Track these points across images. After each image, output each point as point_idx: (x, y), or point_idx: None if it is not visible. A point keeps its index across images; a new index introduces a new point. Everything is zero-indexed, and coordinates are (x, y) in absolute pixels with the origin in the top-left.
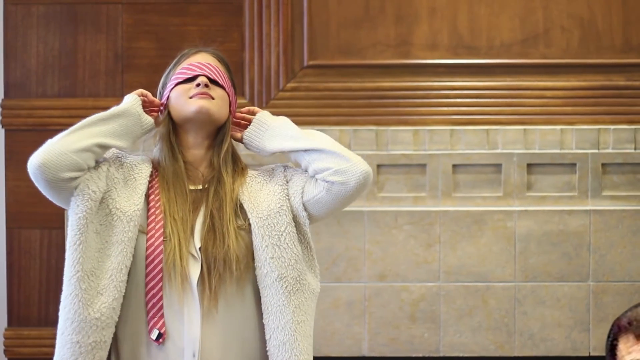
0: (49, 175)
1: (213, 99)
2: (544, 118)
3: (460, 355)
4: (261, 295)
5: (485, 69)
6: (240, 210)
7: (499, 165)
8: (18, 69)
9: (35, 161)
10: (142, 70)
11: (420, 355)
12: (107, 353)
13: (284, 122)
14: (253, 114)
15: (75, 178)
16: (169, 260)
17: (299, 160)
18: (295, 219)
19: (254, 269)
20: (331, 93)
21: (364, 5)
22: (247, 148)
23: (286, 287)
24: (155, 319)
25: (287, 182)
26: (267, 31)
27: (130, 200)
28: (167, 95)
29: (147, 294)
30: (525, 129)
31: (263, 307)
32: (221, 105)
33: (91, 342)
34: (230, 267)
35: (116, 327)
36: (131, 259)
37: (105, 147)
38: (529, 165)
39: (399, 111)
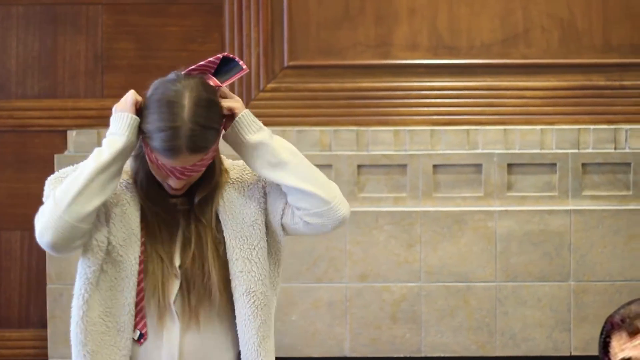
0: (62, 250)
1: (188, 183)
2: (524, 118)
3: (442, 355)
4: (234, 306)
5: (466, 69)
6: (216, 220)
7: (479, 166)
8: None
9: (45, 240)
10: (122, 70)
11: (402, 355)
12: None
13: (262, 140)
14: (231, 111)
15: (83, 243)
16: (150, 281)
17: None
18: (269, 234)
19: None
20: (311, 94)
21: (343, 5)
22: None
23: (254, 301)
24: (138, 319)
25: (265, 195)
26: (247, 32)
27: (128, 233)
28: (144, 148)
29: (138, 294)
30: (505, 129)
31: (236, 319)
32: (199, 176)
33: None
34: (209, 290)
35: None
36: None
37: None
38: (509, 165)
39: (379, 111)
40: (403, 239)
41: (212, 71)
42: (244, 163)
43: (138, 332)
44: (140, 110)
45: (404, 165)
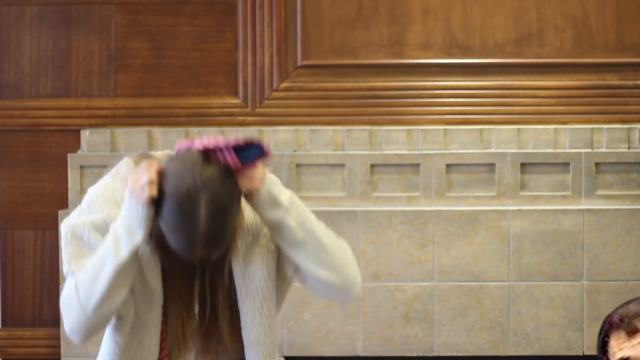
0: (92, 338)
1: None
2: (538, 117)
3: (455, 354)
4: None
5: (479, 68)
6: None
7: (492, 165)
8: (11, 69)
9: (76, 339)
10: (135, 70)
11: (415, 355)
12: None
13: (278, 220)
14: (249, 191)
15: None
16: (171, 337)
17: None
18: (280, 277)
19: None
20: (325, 93)
21: (357, 5)
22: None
23: (262, 351)
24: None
25: (274, 249)
26: (261, 31)
27: (149, 293)
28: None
29: (160, 352)
30: (518, 129)
31: None
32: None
33: None
34: (223, 342)
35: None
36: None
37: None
38: (523, 165)
39: (392, 111)
40: (416, 239)
41: (232, 147)
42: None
43: None
44: (156, 198)
45: (417, 165)
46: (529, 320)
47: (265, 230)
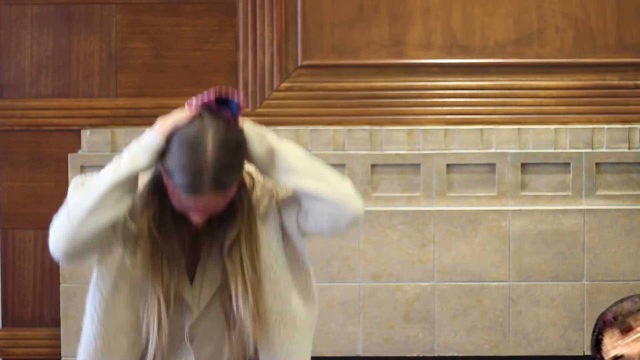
0: (73, 262)
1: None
2: (538, 118)
3: (455, 355)
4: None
5: (479, 68)
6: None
7: (492, 165)
8: (12, 69)
9: (58, 251)
10: (136, 70)
11: (415, 355)
12: None
13: (269, 149)
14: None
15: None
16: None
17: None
18: (288, 247)
19: None
20: (325, 93)
21: (357, 5)
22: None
23: (275, 319)
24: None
25: (280, 212)
26: (261, 31)
27: (142, 260)
28: (165, 182)
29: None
30: (519, 129)
31: (258, 340)
32: (222, 209)
33: None
34: (246, 326)
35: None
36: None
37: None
38: (523, 165)
39: (392, 111)
40: (416, 239)
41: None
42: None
43: None
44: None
45: (418, 165)
46: (529, 320)
47: (265, 202)
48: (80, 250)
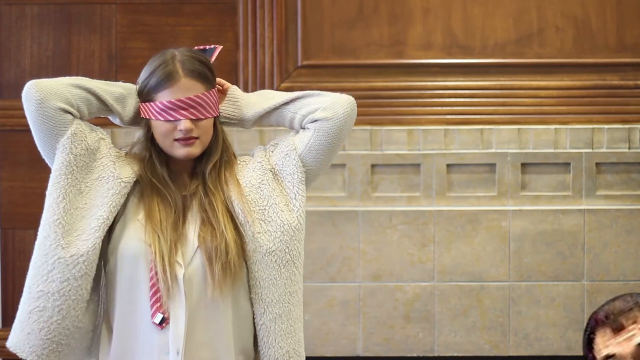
0: (39, 95)
1: (198, 138)
2: (538, 118)
3: (455, 355)
4: (250, 271)
5: (479, 68)
6: (229, 203)
7: (493, 165)
8: (12, 69)
9: (28, 83)
10: (136, 70)
11: (415, 355)
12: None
13: (259, 92)
14: (223, 88)
15: (65, 111)
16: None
17: (282, 118)
18: (283, 188)
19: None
20: None
21: (357, 5)
22: (226, 124)
23: (275, 260)
24: (159, 303)
25: (268, 156)
26: (261, 31)
27: (125, 169)
28: (147, 114)
29: (152, 278)
30: (519, 129)
31: (252, 282)
32: (207, 135)
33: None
34: (230, 254)
35: (112, 307)
36: (109, 220)
37: (98, 99)
38: (523, 165)
39: (393, 111)
40: (416, 239)
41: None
42: (246, 156)
43: (160, 316)
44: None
45: (418, 165)
46: (529, 320)
47: (253, 154)
48: (47, 88)
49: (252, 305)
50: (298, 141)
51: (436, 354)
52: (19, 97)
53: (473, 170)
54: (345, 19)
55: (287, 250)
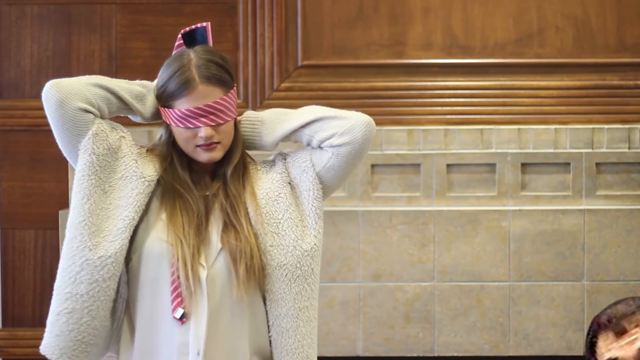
0: (60, 95)
1: (219, 143)
2: (538, 118)
3: (455, 355)
4: (265, 282)
5: (479, 68)
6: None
7: (493, 165)
8: (12, 69)
9: (48, 82)
10: (136, 70)
11: (415, 355)
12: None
13: (272, 110)
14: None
15: (85, 111)
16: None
17: (300, 139)
18: (300, 203)
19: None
20: (325, 93)
21: (357, 5)
22: (246, 148)
23: (286, 274)
24: (180, 299)
25: (287, 167)
26: (261, 31)
27: (148, 167)
28: (167, 120)
29: (172, 274)
30: (519, 129)
31: (266, 294)
32: (229, 138)
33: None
34: (254, 258)
35: (133, 305)
36: (135, 220)
37: (118, 98)
38: (523, 165)
39: (393, 111)
40: (416, 239)
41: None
42: (265, 161)
43: (181, 310)
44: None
45: (418, 165)
46: (529, 320)
47: (271, 162)
48: (67, 88)
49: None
50: (316, 159)
51: (436, 354)
52: (19, 97)
53: (473, 170)
54: (345, 19)
55: (298, 266)
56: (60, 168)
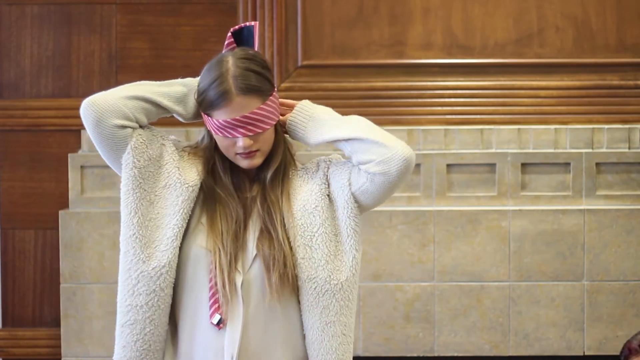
0: (95, 114)
1: (259, 150)
2: (538, 118)
3: (455, 355)
4: (298, 292)
5: (479, 68)
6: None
7: (493, 165)
8: (12, 69)
9: (85, 101)
10: (136, 70)
11: (415, 355)
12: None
13: (326, 110)
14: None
15: (123, 127)
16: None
17: (342, 149)
18: (335, 218)
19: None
20: (325, 93)
21: (357, 5)
22: (290, 137)
23: (315, 287)
24: (217, 304)
25: (328, 179)
26: (261, 31)
27: (190, 173)
28: (208, 126)
29: (210, 280)
30: (519, 129)
31: (300, 304)
32: (268, 144)
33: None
34: (288, 266)
35: (176, 309)
36: (183, 227)
37: (156, 106)
38: (523, 165)
39: (393, 111)
40: (416, 239)
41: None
42: (309, 165)
43: (218, 316)
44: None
45: (418, 165)
46: (529, 320)
47: (313, 170)
48: (102, 106)
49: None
50: (354, 179)
51: (436, 354)
52: (19, 97)
53: (473, 170)
54: (345, 19)
55: (327, 280)
56: (60, 168)
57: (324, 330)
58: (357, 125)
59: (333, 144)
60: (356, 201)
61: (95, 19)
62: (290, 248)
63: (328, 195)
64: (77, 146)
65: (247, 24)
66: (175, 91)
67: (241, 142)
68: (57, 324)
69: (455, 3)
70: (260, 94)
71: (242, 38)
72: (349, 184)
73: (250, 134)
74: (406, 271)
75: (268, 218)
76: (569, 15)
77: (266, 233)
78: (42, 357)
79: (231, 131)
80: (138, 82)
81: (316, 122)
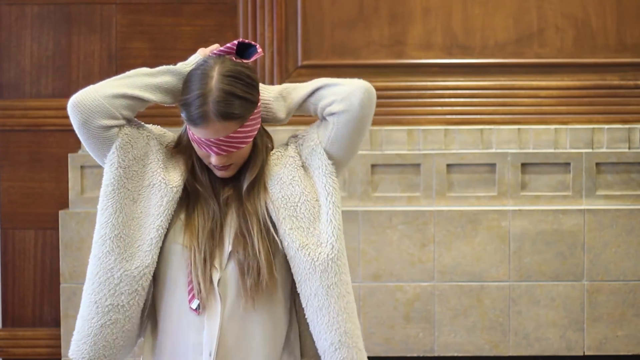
0: (81, 116)
1: (233, 164)
2: (538, 118)
3: (455, 355)
4: (290, 266)
5: (480, 68)
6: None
7: (493, 165)
8: (12, 69)
9: (71, 100)
10: None
11: (415, 355)
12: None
13: (282, 86)
14: None
15: (109, 127)
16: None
17: (307, 110)
18: (315, 177)
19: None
20: None
21: (357, 5)
22: (264, 123)
23: (308, 253)
24: (195, 292)
25: (299, 150)
26: (261, 31)
27: (174, 173)
28: (188, 129)
29: (188, 275)
30: (519, 129)
31: (295, 277)
32: (243, 158)
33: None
34: (261, 275)
35: (155, 304)
36: (166, 228)
37: (142, 101)
38: (523, 165)
39: (393, 111)
40: (416, 239)
41: (233, 55)
42: (279, 146)
43: (197, 302)
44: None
45: (418, 165)
46: (529, 320)
47: (284, 147)
48: (87, 108)
49: (294, 303)
50: (322, 134)
51: (436, 354)
52: (19, 97)
53: (473, 170)
54: (345, 19)
55: (318, 244)
56: (60, 168)
57: (328, 294)
58: (315, 80)
59: (300, 107)
60: (330, 157)
61: (95, 19)
62: (267, 255)
63: (302, 166)
64: (77, 146)
65: (259, 49)
66: (165, 82)
67: (214, 160)
68: (57, 324)
69: (455, 3)
70: (240, 118)
71: (244, 53)
72: (319, 142)
73: (224, 153)
74: (406, 271)
75: (243, 221)
76: (569, 15)
77: (241, 237)
78: (42, 357)
79: (206, 148)
80: (127, 73)
81: (277, 100)
